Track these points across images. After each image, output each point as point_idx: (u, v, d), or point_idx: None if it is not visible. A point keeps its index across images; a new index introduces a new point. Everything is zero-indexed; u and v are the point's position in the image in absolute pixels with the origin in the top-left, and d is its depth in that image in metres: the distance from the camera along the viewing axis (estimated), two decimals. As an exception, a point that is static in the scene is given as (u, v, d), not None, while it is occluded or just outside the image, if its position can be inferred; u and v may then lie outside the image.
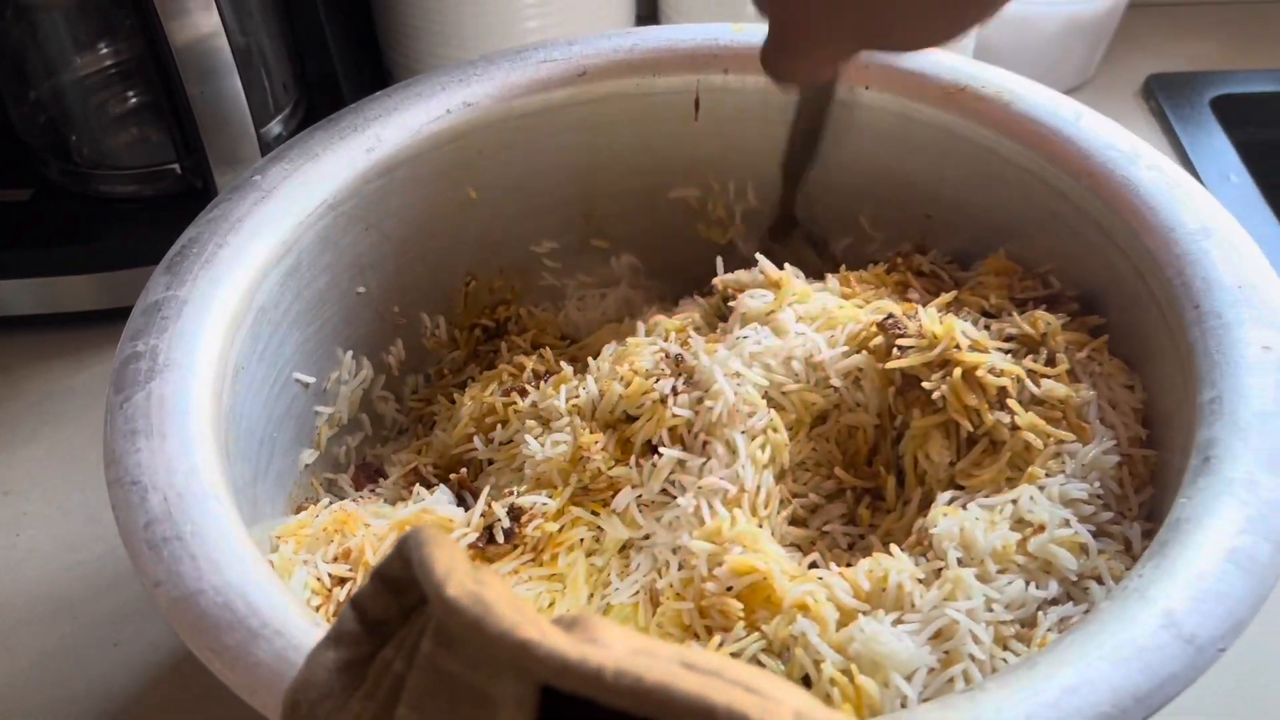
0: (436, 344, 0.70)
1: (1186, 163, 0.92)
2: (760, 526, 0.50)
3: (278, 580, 0.43)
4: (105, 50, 0.85)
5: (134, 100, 0.86)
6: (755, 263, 0.71)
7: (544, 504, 0.52)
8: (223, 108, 0.74)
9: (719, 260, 0.63)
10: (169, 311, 0.52)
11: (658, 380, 0.54)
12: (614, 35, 0.67)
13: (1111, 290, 0.57)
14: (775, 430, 0.53)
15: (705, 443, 0.52)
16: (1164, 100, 0.99)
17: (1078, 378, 0.53)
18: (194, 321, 0.52)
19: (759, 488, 0.51)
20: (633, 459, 0.53)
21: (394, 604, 0.36)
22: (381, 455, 0.66)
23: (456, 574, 0.33)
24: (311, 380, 0.61)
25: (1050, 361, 0.53)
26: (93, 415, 0.72)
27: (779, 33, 0.46)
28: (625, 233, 0.72)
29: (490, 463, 0.60)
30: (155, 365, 0.49)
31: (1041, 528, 0.48)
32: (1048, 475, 0.50)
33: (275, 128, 0.85)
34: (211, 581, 0.41)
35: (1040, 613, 0.47)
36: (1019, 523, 0.49)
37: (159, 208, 0.82)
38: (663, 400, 0.53)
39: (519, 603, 0.35)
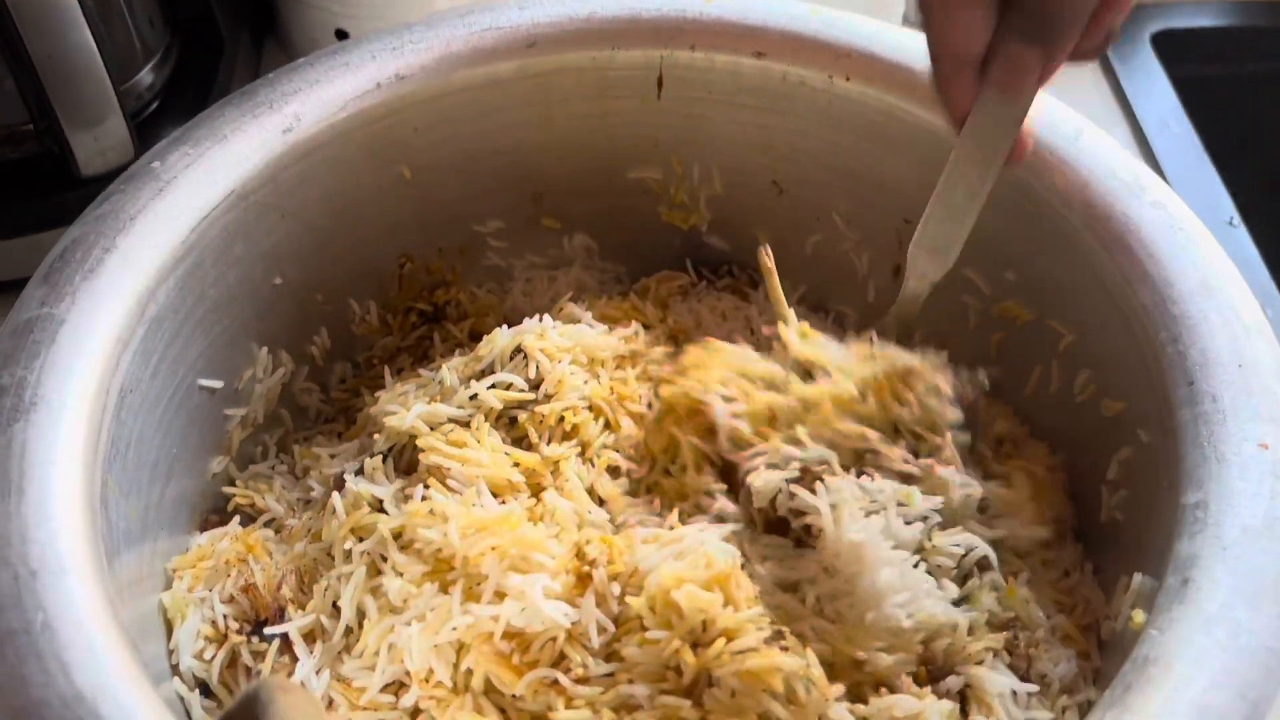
0: (367, 329, 0.64)
1: (1126, 106, 0.90)
2: None
3: (137, 683, 0.38)
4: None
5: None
6: (721, 250, 0.65)
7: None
8: (75, 67, 0.65)
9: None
10: (42, 334, 0.46)
11: None
12: (569, 1, 0.60)
13: (1094, 342, 0.51)
14: None
15: None
16: None
17: None
18: (71, 345, 0.46)
19: None
20: None
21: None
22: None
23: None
24: (219, 385, 0.56)
25: None
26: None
27: None
28: (579, 213, 0.66)
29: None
30: (21, 403, 0.44)
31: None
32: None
33: (146, 77, 0.75)
34: (59, 691, 0.37)
35: None
36: None
37: (20, 174, 0.72)
38: None
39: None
